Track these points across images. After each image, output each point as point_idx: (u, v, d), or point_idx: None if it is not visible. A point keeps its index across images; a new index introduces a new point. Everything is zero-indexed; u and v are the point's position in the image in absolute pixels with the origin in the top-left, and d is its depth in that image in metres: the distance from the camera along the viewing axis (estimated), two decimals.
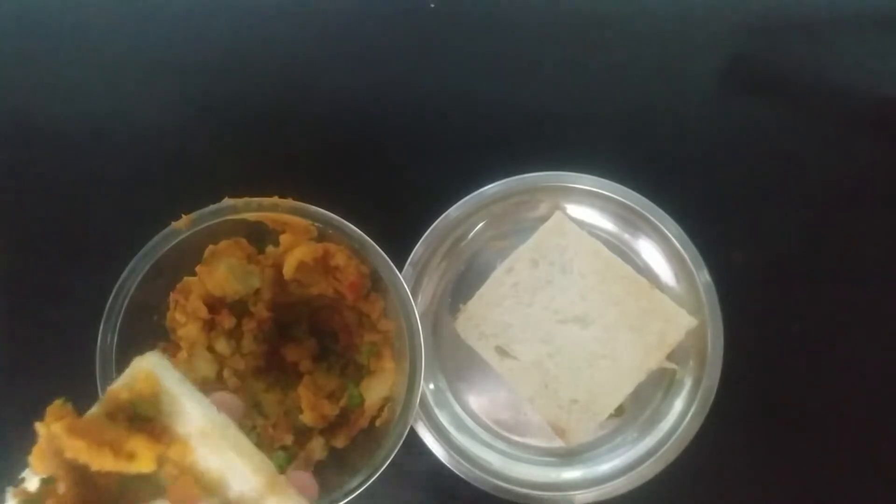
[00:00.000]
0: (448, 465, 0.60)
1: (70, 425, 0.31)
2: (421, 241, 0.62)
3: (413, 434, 0.59)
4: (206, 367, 0.55)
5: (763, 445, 0.62)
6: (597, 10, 0.69)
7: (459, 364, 0.64)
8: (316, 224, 0.54)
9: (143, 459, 0.32)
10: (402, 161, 0.66)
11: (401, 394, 0.53)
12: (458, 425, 0.63)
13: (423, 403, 0.61)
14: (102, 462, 0.31)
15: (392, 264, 0.54)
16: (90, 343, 0.51)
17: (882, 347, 0.64)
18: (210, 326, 0.55)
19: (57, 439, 0.31)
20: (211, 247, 0.55)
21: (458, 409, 0.63)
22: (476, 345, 0.61)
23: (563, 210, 0.64)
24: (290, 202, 0.53)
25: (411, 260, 0.62)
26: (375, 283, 0.57)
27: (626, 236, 0.65)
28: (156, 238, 0.51)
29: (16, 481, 0.32)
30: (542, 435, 0.63)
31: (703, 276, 0.61)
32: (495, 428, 0.63)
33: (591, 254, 0.62)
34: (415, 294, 0.62)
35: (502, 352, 0.61)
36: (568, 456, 0.62)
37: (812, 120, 0.67)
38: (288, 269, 0.55)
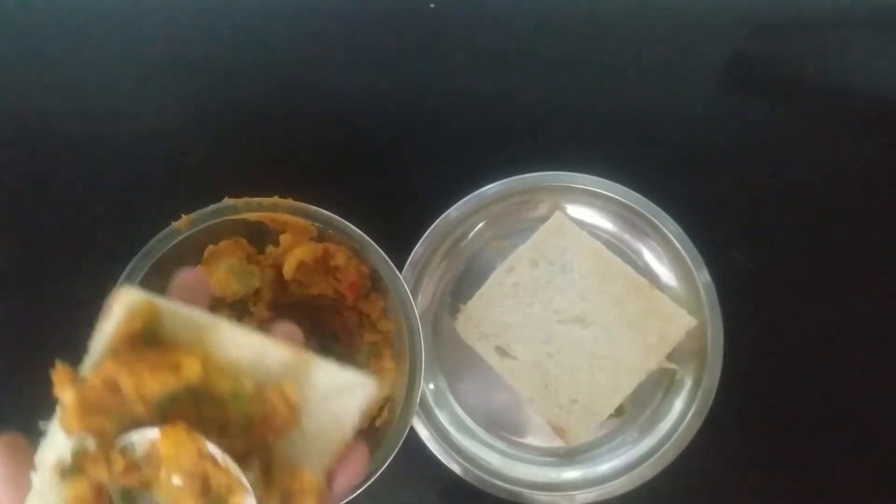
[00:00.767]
0: (448, 466, 0.60)
1: (119, 363, 0.31)
2: (421, 241, 0.62)
3: (413, 434, 0.59)
4: None
5: (763, 445, 0.62)
6: (597, 10, 0.69)
7: (459, 364, 0.64)
8: (316, 224, 0.54)
9: (189, 367, 0.31)
10: (402, 161, 0.66)
11: (401, 394, 0.53)
12: (458, 425, 0.63)
13: (423, 403, 0.61)
14: (160, 380, 0.31)
15: (392, 264, 0.54)
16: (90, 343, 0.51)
17: (882, 347, 0.64)
18: None
19: (105, 380, 0.30)
20: (211, 247, 0.55)
21: (458, 409, 0.63)
22: (476, 345, 0.61)
23: (563, 210, 0.64)
24: (290, 202, 0.53)
25: (411, 260, 0.62)
26: (375, 283, 0.57)
27: (626, 236, 0.65)
28: (156, 238, 0.51)
29: (37, 430, 0.32)
30: (542, 435, 0.63)
31: (703, 276, 0.61)
32: (495, 428, 0.63)
33: (591, 254, 0.62)
34: (415, 294, 0.62)
35: (502, 352, 0.61)
36: (568, 456, 0.62)
37: (812, 120, 0.68)
38: (288, 269, 0.55)
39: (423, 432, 0.60)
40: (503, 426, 0.63)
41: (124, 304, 0.32)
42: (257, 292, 0.56)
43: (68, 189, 0.66)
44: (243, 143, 0.66)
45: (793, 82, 0.69)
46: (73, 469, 0.31)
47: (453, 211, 0.63)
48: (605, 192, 0.63)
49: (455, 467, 0.60)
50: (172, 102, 0.67)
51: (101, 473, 0.31)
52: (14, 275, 0.64)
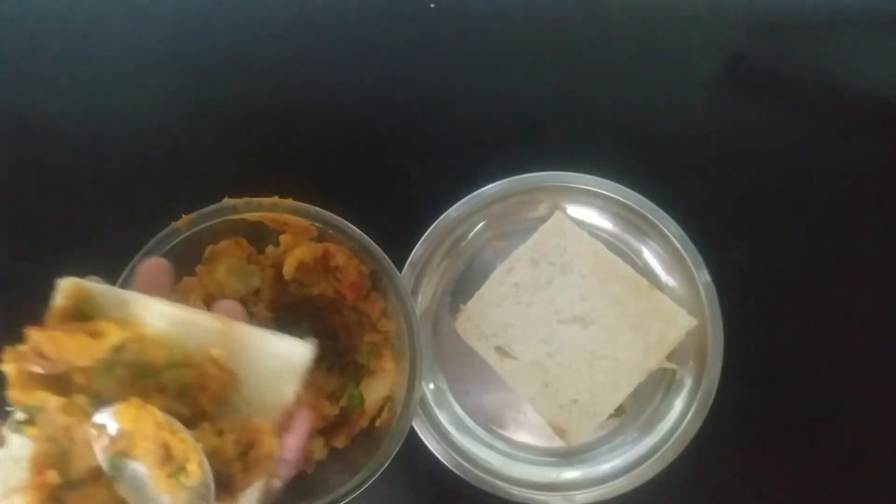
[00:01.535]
0: (448, 465, 0.60)
1: (43, 333, 0.34)
2: (421, 241, 0.62)
3: (413, 434, 0.59)
4: None
5: (763, 445, 0.62)
6: (597, 10, 0.69)
7: (459, 364, 0.64)
8: (316, 224, 0.54)
9: (110, 333, 0.34)
10: (401, 161, 0.66)
11: (401, 394, 0.53)
12: (458, 425, 0.63)
13: (423, 403, 0.61)
14: (80, 344, 0.34)
15: (392, 264, 0.54)
16: None
17: (882, 347, 0.64)
18: None
19: (33, 349, 0.34)
20: (211, 247, 0.55)
21: (458, 409, 0.63)
22: (476, 345, 0.61)
23: (563, 210, 0.64)
24: (290, 202, 0.53)
25: (411, 260, 0.62)
26: (375, 283, 0.57)
27: (626, 236, 0.65)
28: (156, 238, 0.51)
29: (4, 414, 0.34)
30: (542, 435, 0.63)
31: (703, 276, 0.61)
32: (495, 428, 0.63)
33: (591, 254, 0.62)
34: (415, 294, 0.62)
35: (502, 352, 0.61)
36: (568, 456, 0.62)
37: (812, 120, 0.68)
38: (288, 269, 0.55)
39: (423, 432, 0.60)
40: (503, 426, 0.63)
41: (60, 288, 0.36)
42: (257, 292, 0.56)
43: (68, 189, 0.66)
44: (243, 143, 0.66)
45: (793, 82, 0.69)
46: (26, 422, 0.34)
47: (453, 211, 0.63)
48: (605, 192, 0.63)
49: (455, 467, 0.60)
50: (172, 102, 0.67)
51: (53, 430, 0.34)
52: (14, 274, 0.64)
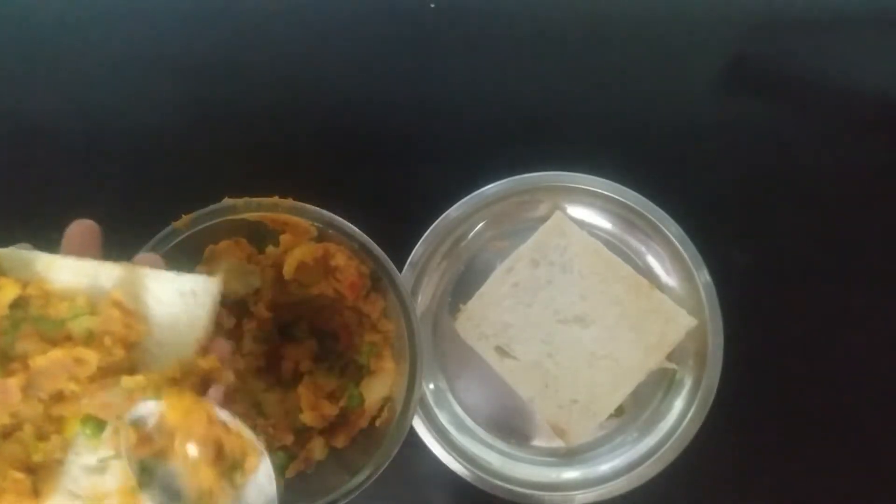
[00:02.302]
0: (448, 465, 0.60)
1: None
2: (421, 241, 0.62)
3: (413, 434, 0.59)
4: None
5: (763, 445, 0.62)
6: (597, 10, 0.69)
7: (459, 364, 0.64)
8: (316, 224, 0.54)
9: (7, 288, 0.34)
10: (402, 161, 0.66)
11: (401, 394, 0.53)
12: (458, 425, 0.63)
13: (423, 403, 0.61)
14: None
15: (392, 264, 0.54)
16: None
17: (882, 347, 0.64)
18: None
19: None
20: (211, 247, 0.55)
21: (458, 409, 0.63)
22: (476, 345, 0.61)
23: (563, 210, 0.64)
24: (290, 202, 0.53)
25: (411, 260, 0.62)
26: (375, 283, 0.56)
27: (626, 236, 0.65)
28: (156, 238, 0.51)
29: None
30: (542, 435, 0.63)
31: (703, 276, 0.61)
32: (495, 428, 0.63)
33: (591, 254, 0.62)
34: (415, 294, 0.62)
35: (502, 352, 0.61)
36: (568, 456, 0.62)
37: (812, 120, 0.67)
38: (288, 269, 0.55)
39: (423, 432, 0.60)
40: (503, 426, 0.63)
41: None
42: (257, 292, 0.56)
43: (68, 189, 0.66)
44: (243, 143, 0.66)
45: (793, 82, 0.69)
46: None
47: (453, 211, 0.63)
48: (605, 192, 0.63)
49: (455, 467, 0.60)
50: (172, 102, 0.67)
51: None
52: None
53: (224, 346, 0.38)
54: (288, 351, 0.58)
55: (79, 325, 0.35)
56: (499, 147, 0.66)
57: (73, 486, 0.34)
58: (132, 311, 0.35)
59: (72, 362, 0.34)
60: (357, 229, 0.53)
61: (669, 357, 0.61)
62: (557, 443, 0.61)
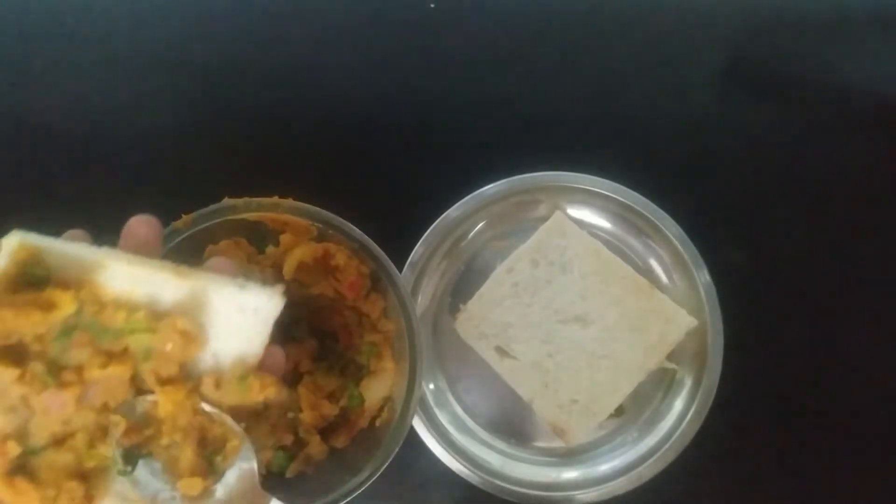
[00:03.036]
0: (448, 465, 0.60)
1: None
2: (421, 241, 0.62)
3: (413, 434, 0.59)
4: None
5: (763, 445, 0.62)
6: (597, 10, 0.69)
7: (459, 364, 0.64)
8: (316, 224, 0.54)
9: (63, 304, 0.33)
10: (402, 161, 0.66)
11: (401, 394, 0.53)
12: (458, 425, 0.63)
13: (423, 403, 0.61)
14: (31, 320, 0.32)
15: (392, 264, 0.54)
16: None
17: (882, 347, 0.64)
18: None
19: None
20: (211, 247, 0.55)
21: (458, 409, 0.63)
22: (476, 345, 0.61)
23: (563, 210, 0.64)
24: (290, 202, 0.53)
25: (411, 260, 0.62)
26: (375, 283, 0.56)
27: (627, 236, 0.65)
28: None
29: None
30: (542, 435, 0.63)
31: (703, 276, 0.61)
32: (495, 428, 0.63)
33: (591, 254, 0.62)
34: (415, 294, 0.62)
35: (502, 352, 0.61)
36: (568, 456, 0.62)
37: (812, 120, 0.68)
38: (288, 269, 0.55)
39: (423, 432, 0.60)
40: (503, 426, 0.63)
41: (5, 247, 0.33)
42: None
43: (68, 189, 0.66)
44: (243, 143, 0.66)
45: (793, 82, 0.69)
46: None
47: (453, 211, 0.63)
48: (605, 192, 0.63)
49: (455, 467, 0.60)
50: (172, 102, 0.67)
51: (10, 401, 0.33)
52: None
53: (278, 354, 0.37)
54: (288, 351, 0.58)
55: (137, 342, 0.34)
56: (499, 147, 0.66)
57: (124, 490, 0.34)
58: (191, 334, 0.35)
59: (129, 378, 0.34)
60: (357, 229, 0.53)
61: (669, 357, 0.61)
62: (557, 443, 0.61)
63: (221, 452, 0.34)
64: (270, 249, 0.57)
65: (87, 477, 0.34)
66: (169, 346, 0.34)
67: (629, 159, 0.65)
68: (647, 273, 0.63)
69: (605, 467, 0.61)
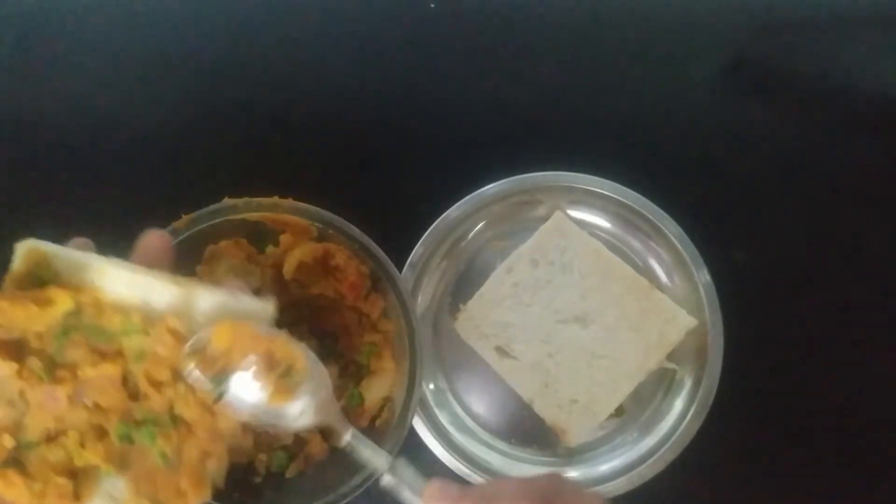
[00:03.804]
0: (448, 465, 0.60)
1: None
2: (421, 241, 0.62)
3: (413, 434, 0.59)
4: None
5: (763, 445, 0.62)
6: (597, 10, 0.69)
7: (459, 364, 0.64)
8: (316, 224, 0.54)
9: (60, 301, 0.35)
10: (402, 161, 0.66)
11: (401, 394, 0.53)
12: (458, 425, 0.63)
13: (423, 403, 0.61)
14: (28, 313, 0.34)
15: (392, 264, 0.54)
16: None
17: (882, 347, 0.64)
18: None
19: None
20: (211, 247, 0.55)
21: (458, 409, 0.63)
22: (476, 345, 0.61)
23: (563, 210, 0.64)
24: (290, 202, 0.53)
25: (411, 260, 0.62)
26: (375, 283, 0.56)
27: (627, 236, 0.65)
28: None
29: None
30: (542, 435, 0.63)
31: (703, 276, 0.61)
32: (495, 428, 0.63)
33: (591, 254, 0.62)
34: (415, 294, 0.62)
35: (502, 352, 0.61)
36: (568, 456, 0.62)
37: (812, 120, 0.67)
38: (288, 269, 0.55)
39: (423, 432, 0.60)
40: (503, 426, 0.63)
41: (18, 251, 0.36)
42: (257, 292, 0.56)
43: (68, 189, 0.66)
44: (243, 143, 0.66)
45: (793, 82, 0.69)
46: None
47: (453, 211, 0.63)
48: (605, 192, 0.63)
49: (455, 467, 0.60)
50: (172, 102, 0.67)
51: (8, 394, 0.34)
52: None
53: None
54: None
55: (131, 343, 0.36)
56: (499, 147, 0.66)
57: (112, 490, 0.35)
58: (184, 336, 0.36)
59: (120, 378, 0.35)
60: (357, 229, 0.53)
61: (669, 357, 0.61)
62: (557, 443, 0.61)
63: (293, 370, 0.37)
64: (270, 249, 0.57)
65: (77, 475, 0.35)
66: (160, 348, 0.36)
67: (629, 159, 0.65)
68: (647, 273, 0.63)
69: (605, 467, 0.61)
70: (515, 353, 0.61)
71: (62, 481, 0.35)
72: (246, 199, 0.52)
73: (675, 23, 0.68)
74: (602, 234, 0.64)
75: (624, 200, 0.62)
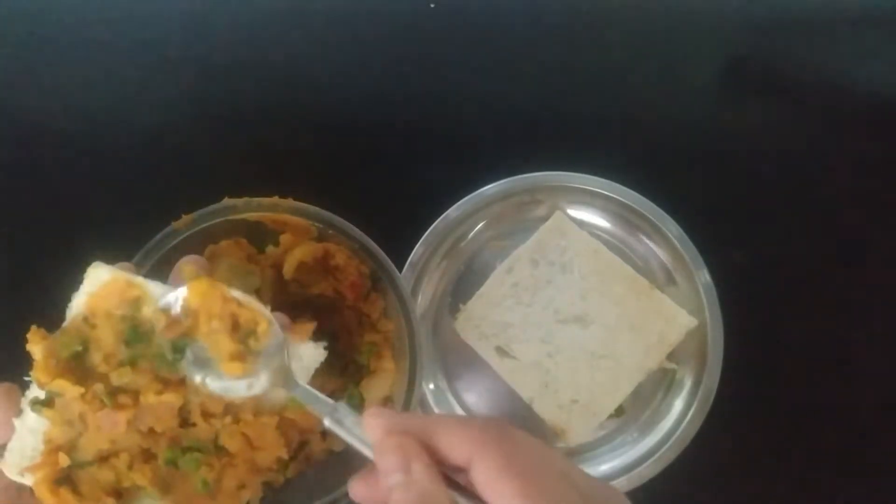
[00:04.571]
0: None
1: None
2: (421, 241, 0.62)
3: None
4: None
5: (763, 445, 0.62)
6: (597, 10, 0.69)
7: (459, 364, 0.64)
8: (316, 224, 0.54)
9: (133, 288, 0.37)
10: (402, 161, 0.66)
11: (401, 394, 0.53)
12: None
13: (423, 403, 0.61)
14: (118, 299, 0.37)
15: (392, 264, 0.54)
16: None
17: (882, 347, 0.64)
18: None
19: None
20: (211, 247, 0.55)
21: (458, 409, 0.63)
22: (476, 345, 0.61)
23: (563, 210, 0.64)
24: (290, 202, 0.53)
25: (411, 260, 0.62)
26: (375, 283, 0.56)
27: (626, 236, 0.65)
28: (156, 238, 0.51)
29: (23, 383, 0.36)
30: (542, 435, 0.63)
31: (703, 276, 0.61)
32: None
33: (591, 254, 0.62)
34: (415, 294, 0.62)
35: (502, 352, 0.61)
36: (568, 456, 0.62)
37: (812, 120, 0.68)
38: (288, 269, 0.55)
39: None
40: None
41: (91, 277, 0.38)
42: (257, 292, 0.56)
43: (68, 189, 0.66)
44: (243, 143, 0.66)
45: (793, 82, 0.69)
46: (44, 403, 0.36)
47: (453, 211, 0.63)
48: (605, 192, 0.63)
49: None
50: (173, 102, 0.67)
51: (69, 415, 0.36)
52: (14, 274, 0.64)
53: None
54: None
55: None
56: (499, 147, 0.66)
57: None
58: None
59: (178, 407, 0.37)
60: (357, 229, 0.53)
61: (669, 357, 0.61)
62: (557, 443, 0.61)
63: (254, 335, 0.37)
64: (270, 249, 0.57)
65: (122, 495, 0.37)
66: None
67: (629, 159, 0.65)
68: (647, 273, 0.63)
69: (605, 467, 0.61)
70: (515, 353, 0.61)
71: (109, 501, 0.36)
72: (246, 199, 0.52)
73: (675, 23, 0.68)
74: (602, 234, 0.64)
75: (624, 200, 0.62)
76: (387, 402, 0.56)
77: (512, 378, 0.61)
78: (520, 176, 0.63)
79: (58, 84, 0.68)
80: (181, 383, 0.37)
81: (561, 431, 0.60)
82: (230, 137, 0.67)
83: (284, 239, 0.56)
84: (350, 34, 0.68)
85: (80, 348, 0.37)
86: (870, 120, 0.68)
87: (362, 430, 0.35)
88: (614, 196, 0.63)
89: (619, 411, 0.62)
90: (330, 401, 0.37)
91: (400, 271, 0.55)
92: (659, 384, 0.63)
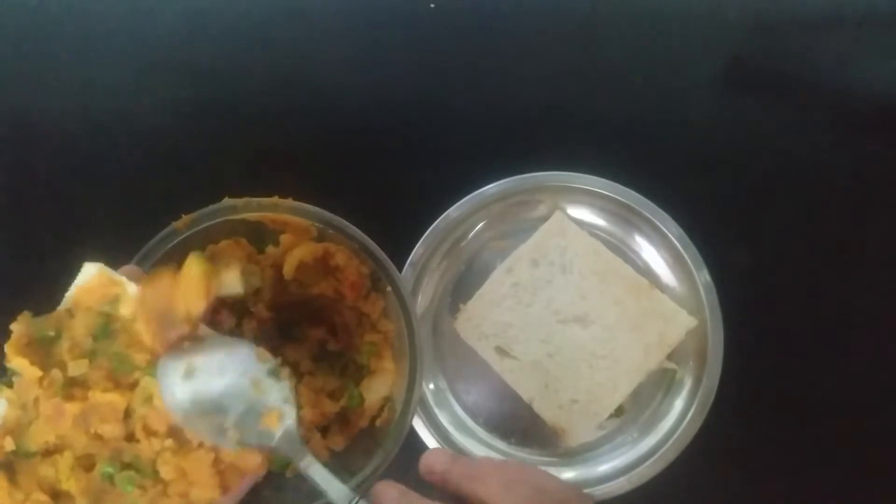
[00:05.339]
0: None
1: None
2: (421, 241, 0.62)
3: (413, 434, 0.59)
4: None
5: (763, 445, 0.62)
6: (597, 10, 0.69)
7: (459, 364, 0.64)
8: (316, 224, 0.54)
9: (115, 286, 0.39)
10: (402, 161, 0.66)
11: (401, 394, 0.53)
12: (458, 425, 0.63)
13: (423, 403, 0.61)
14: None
15: (392, 264, 0.54)
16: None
17: (882, 347, 0.64)
18: (211, 327, 0.55)
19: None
20: (211, 247, 0.55)
21: (458, 409, 0.63)
22: (476, 345, 0.61)
23: (563, 210, 0.64)
24: (290, 202, 0.53)
25: (411, 260, 0.62)
26: (375, 283, 0.56)
27: (626, 236, 0.65)
28: (156, 238, 0.51)
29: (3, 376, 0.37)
30: (542, 435, 0.63)
31: (703, 276, 0.61)
32: (495, 428, 0.63)
33: (591, 254, 0.62)
34: (415, 294, 0.62)
35: (502, 352, 0.61)
36: (568, 456, 0.62)
37: (812, 120, 0.68)
38: (288, 269, 0.55)
39: (423, 432, 0.60)
40: (503, 426, 0.63)
41: (86, 270, 0.40)
42: (257, 292, 0.56)
43: (68, 189, 0.66)
44: (243, 143, 0.66)
45: (793, 82, 0.69)
46: (5, 383, 0.36)
47: (453, 211, 0.63)
48: (605, 192, 0.63)
49: None
50: (172, 102, 0.67)
51: (26, 398, 0.36)
52: (14, 274, 0.64)
53: None
54: (288, 351, 0.58)
55: (146, 384, 0.38)
56: (499, 147, 0.66)
57: None
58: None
59: (122, 412, 0.37)
60: (357, 229, 0.53)
61: (669, 357, 0.61)
62: (557, 443, 0.61)
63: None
64: (270, 249, 0.57)
65: (58, 497, 0.36)
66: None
67: (629, 159, 0.65)
68: (647, 273, 0.63)
69: (605, 467, 0.61)
70: (515, 353, 0.61)
71: (43, 499, 0.36)
72: (246, 199, 0.52)
73: (675, 23, 0.68)
74: (602, 234, 0.64)
75: (624, 200, 0.62)
76: (387, 401, 0.56)
77: (512, 378, 0.61)
78: (520, 176, 0.63)
79: (58, 84, 0.68)
80: (131, 388, 0.37)
81: (561, 431, 0.60)
82: (230, 138, 0.67)
83: (284, 239, 0.56)
84: (350, 34, 0.68)
85: (52, 334, 0.37)
86: (870, 120, 0.68)
87: None
88: (614, 196, 0.63)
89: (619, 411, 0.62)
90: (346, 489, 0.38)
91: (400, 271, 0.55)
92: (659, 384, 0.63)
